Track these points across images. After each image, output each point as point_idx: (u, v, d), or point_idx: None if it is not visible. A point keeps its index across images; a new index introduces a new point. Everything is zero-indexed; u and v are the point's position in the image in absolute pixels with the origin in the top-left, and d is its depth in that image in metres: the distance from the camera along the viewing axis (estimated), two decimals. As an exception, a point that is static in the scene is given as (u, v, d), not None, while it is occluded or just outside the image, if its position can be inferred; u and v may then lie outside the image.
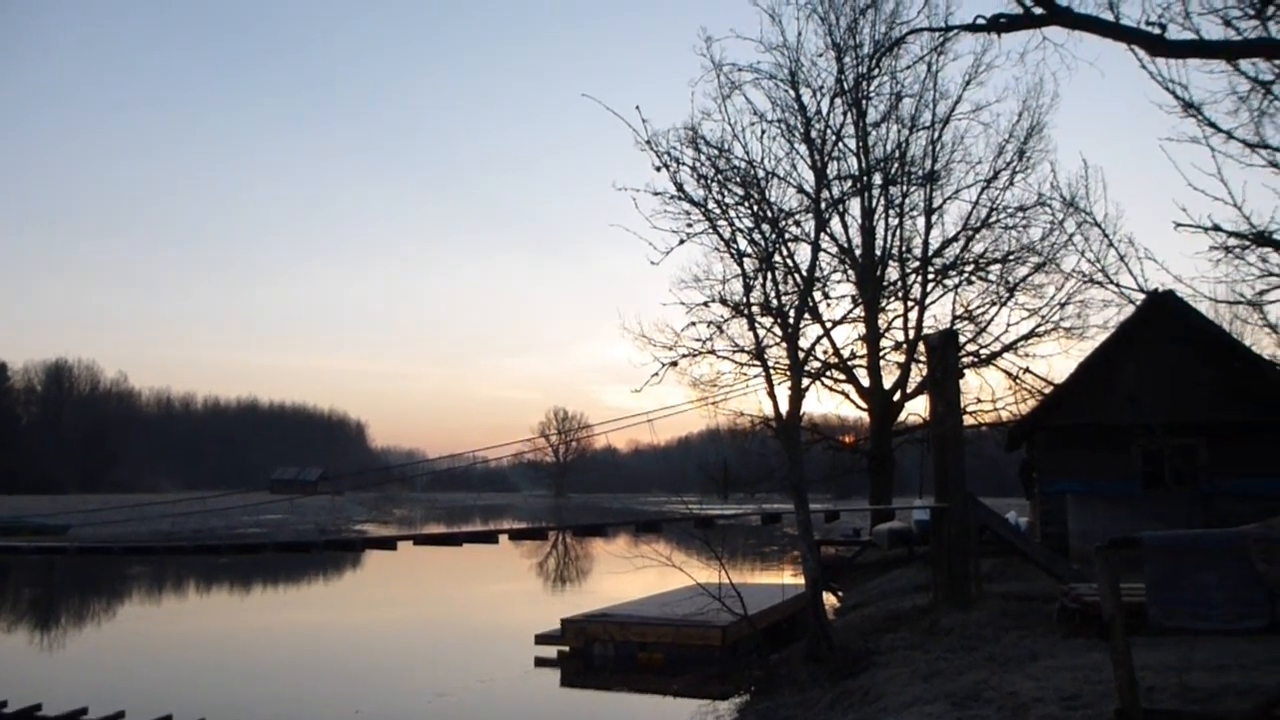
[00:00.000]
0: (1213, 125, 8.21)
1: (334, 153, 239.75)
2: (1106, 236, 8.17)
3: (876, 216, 31.94)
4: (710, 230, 15.22)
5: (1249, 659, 9.01)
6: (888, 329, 32.69)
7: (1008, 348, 31.01)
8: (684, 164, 15.18)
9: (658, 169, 14.83)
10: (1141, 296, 8.63)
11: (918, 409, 31.70)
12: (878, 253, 31.76)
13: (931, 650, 12.28)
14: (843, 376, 32.59)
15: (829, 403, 47.07)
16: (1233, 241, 8.42)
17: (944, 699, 9.08)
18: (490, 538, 15.73)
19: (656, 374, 16.53)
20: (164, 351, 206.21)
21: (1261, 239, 8.62)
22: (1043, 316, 30.58)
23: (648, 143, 14.66)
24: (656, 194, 15.15)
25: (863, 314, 31.23)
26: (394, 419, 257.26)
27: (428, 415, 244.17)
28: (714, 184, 15.39)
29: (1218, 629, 6.62)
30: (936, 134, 31.32)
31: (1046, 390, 27.23)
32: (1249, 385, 19.25)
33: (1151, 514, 17.36)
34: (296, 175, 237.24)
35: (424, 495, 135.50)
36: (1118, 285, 8.23)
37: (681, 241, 15.15)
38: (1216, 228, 8.69)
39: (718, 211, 15.18)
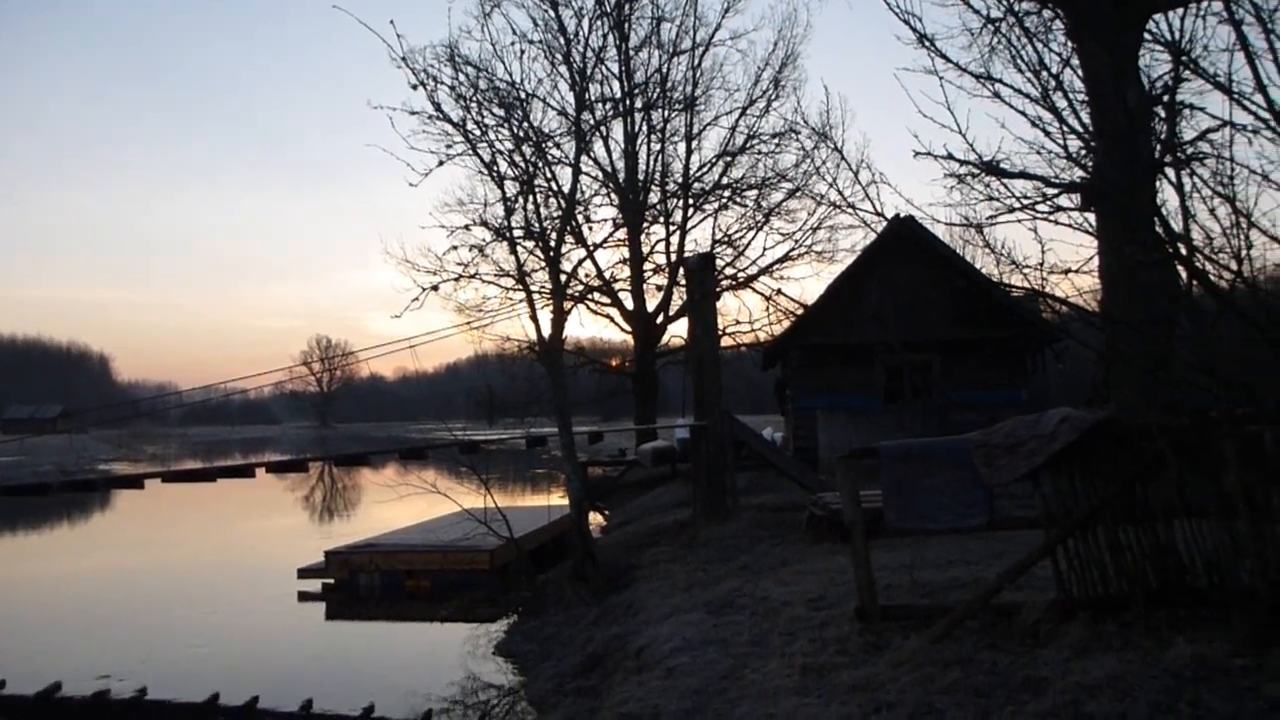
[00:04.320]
0: (945, 58, 8.64)
1: (87, 75, 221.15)
2: (848, 163, 8.51)
3: (639, 141, 32.25)
4: (470, 152, 14.96)
5: (973, 555, 9.85)
6: (650, 253, 33.29)
7: (764, 271, 32.29)
8: (442, 83, 14.88)
9: (414, 87, 14.44)
10: (883, 222, 9.05)
11: (680, 331, 32.61)
12: (640, 177, 32.12)
13: (690, 562, 12.76)
14: (607, 300, 33.01)
15: (594, 326, 47.60)
16: (963, 170, 8.94)
17: (702, 608, 9.46)
18: (246, 472, 15.10)
19: (417, 299, 16.22)
20: None
21: (990, 168, 9.19)
22: (796, 241, 32.00)
23: (403, 59, 14.21)
24: (414, 113, 14.77)
25: (625, 237, 31.65)
26: (143, 352, 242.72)
27: (180, 347, 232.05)
28: (474, 104, 15.13)
29: (946, 529, 7.14)
30: (696, 60, 31.86)
31: (798, 311, 28.50)
32: (977, 304, 20.66)
33: (893, 426, 18.47)
34: (52, 100, 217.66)
35: (178, 431, 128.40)
36: (856, 211, 8.60)
37: (441, 163, 14.87)
38: (950, 156, 9.20)
39: (478, 133, 14.94)
